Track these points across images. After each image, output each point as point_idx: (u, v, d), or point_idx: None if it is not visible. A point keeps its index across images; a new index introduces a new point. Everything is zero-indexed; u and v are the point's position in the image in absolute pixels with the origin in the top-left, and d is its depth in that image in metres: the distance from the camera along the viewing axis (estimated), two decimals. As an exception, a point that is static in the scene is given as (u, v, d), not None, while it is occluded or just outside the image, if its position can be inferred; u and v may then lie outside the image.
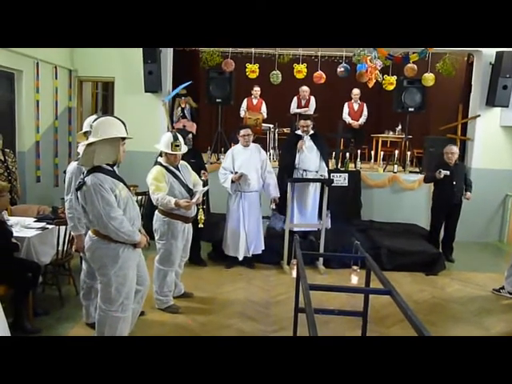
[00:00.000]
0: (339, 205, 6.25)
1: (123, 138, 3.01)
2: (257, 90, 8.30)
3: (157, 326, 3.90)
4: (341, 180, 6.95)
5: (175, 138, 4.01)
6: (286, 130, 8.51)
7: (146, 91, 7.25)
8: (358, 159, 7.72)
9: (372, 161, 8.27)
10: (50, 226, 4.30)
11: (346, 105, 8.44)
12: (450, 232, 6.17)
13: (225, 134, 7.80)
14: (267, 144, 8.27)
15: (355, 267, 3.36)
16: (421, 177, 6.95)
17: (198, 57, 9.38)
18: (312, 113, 8.18)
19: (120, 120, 3.02)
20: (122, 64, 7.41)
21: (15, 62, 6.13)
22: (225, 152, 6.23)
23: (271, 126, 8.38)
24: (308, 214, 5.84)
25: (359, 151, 7.78)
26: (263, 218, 5.83)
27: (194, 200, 3.99)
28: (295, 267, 3.37)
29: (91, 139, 2.89)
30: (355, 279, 3.36)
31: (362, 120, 8.34)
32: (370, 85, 7.36)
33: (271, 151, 8.27)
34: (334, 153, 7.31)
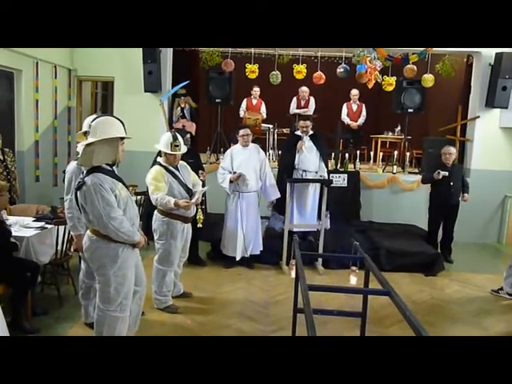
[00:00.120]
0: (338, 205, 6.25)
1: (122, 138, 3.00)
2: (256, 90, 8.30)
3: (156, 326, 3.90)
4: (340, 180, 6.95)
5: (175, 138, 4.01)
6: (285, 131, 8.51)
7: (145, 91, 7.26)
8: (358, 160, 7.73)
9: (371, 161, 8.28)
10: (48, 226, 4.29)
11: (344, 105, 8.45)
12: (449, 233, 6.17)
13: (224, 134, 7.80)
14: (266, 144, 8.28)
15: (354, 268, 3.36)
16: (420, 177, 6.96)
17: (197, 57, 9.40)
18: (311, 113, 8.18)
19: (119, 120, 3.02)
20: (121, 64, 7.41)
21: (15, 62, 6.13)
22: (224, 152, 6.22)
23: (270, 126, 8.38)
24: (307, 214, 5.84)
25: (358, 152, 7.78)
26: (262, 218, 5.84)
27: (193, 200, 4.00)
28: (294, 267, 3.37)
29: (90, 139, 2.89)
30: (354, 280, 3.36)
31: (361, 121, 8.35)
32: (370, 86, 7.37)
33: (270, 151, 8.28)
34: (333, 153, 7.32)
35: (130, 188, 4.01)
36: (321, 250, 5.54)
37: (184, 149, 4.11)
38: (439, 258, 5.76)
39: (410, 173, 7.67)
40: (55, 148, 7.31)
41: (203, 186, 4.46)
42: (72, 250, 4.28)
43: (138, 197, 5.72)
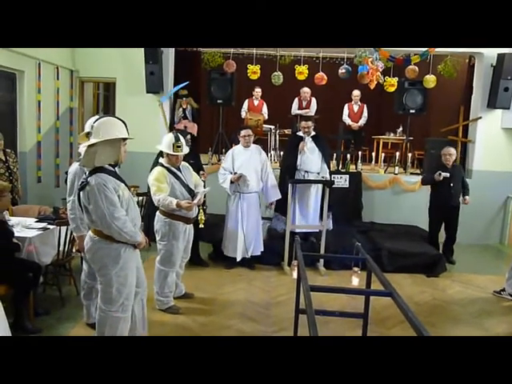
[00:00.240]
0: (340, 206, 6.25)
1: (124, 139, 3.01)
2: (258, 91, 8.30)
3: (157, 327, 3.90)
4: (342, 181, 6.94)
5: (177, 139, 4.01)
6: (286, 132, 8.51)
7: (147, 92, 7.27)
8: (359, 161, 7.72)
9: (373, 162, 8.27)
10: (51, 227, 4.30)
11: (346, 106, 8.44)
12: (451, 234, 6.14)
13: (226, 135, 7.79)
14: (268, 145, 8.28)
15: (356, 269, 3.35)
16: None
17: (199, 58, 9.40)
18: (313, 114, 8.17)
19: (121, 120, 3.02)
20: (123, 64, 7.43)
21: (17, 63, 6.15)
22: (226, 153, 6.23)
23: (272, 127, 8.39)
24: (309, 215, 5.84)
25: (360, 153, 7.78)
26: (264, 219, 5.83)
27: (195, 201, 4.00)
28: (296, 268, 3.37)
29: (92, 140, 2.89)
30: (356, 281, 3.35)
31: (362, 121, 8.33)
32: (372, 86, 7.36)
33: (272, 152, 8.28)
34: (334, 154, 7.31)
35: (132, 189, 4.00)
36: (322, 251, 5.53)
37: (186, 149, 4.11)
38: (441, 258, 5.75)
39: (411, 174, 7.66)
40: (57, 149, 7.33)
41: (204, 186, 4.46)
42: (74, 250, 4.29)
43: (140, 198, 5.73)
